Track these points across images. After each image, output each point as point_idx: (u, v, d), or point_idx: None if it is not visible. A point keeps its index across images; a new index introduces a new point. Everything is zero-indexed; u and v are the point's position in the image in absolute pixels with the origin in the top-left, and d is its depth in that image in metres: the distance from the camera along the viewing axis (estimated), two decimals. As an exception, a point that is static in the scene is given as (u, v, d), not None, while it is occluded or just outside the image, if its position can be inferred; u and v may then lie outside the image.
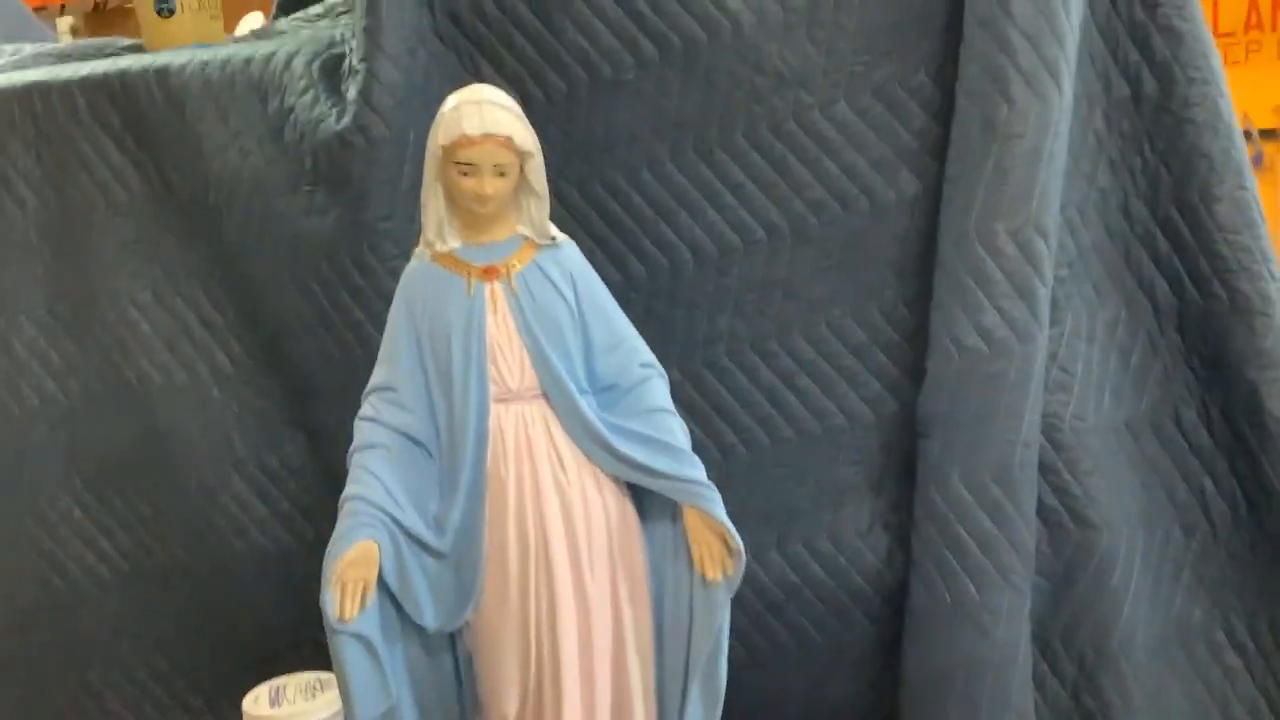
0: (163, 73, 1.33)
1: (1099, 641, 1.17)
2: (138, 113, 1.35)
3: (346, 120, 1.23)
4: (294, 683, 1.22)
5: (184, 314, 1.39)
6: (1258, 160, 3.03)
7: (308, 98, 1.27)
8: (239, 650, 1.41)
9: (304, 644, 1.36)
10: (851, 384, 1.20)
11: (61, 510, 1.42)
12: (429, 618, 0.84)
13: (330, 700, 1.19)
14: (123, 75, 1.34)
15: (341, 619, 0.82)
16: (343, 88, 1.27)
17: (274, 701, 1.19)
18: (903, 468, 1.19)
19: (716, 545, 0.83)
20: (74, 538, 1.42)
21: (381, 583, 0.83)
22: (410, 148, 1.23)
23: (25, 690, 1.43)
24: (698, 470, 0.84)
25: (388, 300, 1.26)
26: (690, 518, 0.84)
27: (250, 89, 1.30)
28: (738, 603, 0.89)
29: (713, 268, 1.21)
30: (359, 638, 0.83)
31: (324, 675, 1.23)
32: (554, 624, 0.83)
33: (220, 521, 1.39)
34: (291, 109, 1.27)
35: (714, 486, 0.84)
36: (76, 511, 1.42)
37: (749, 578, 1.03)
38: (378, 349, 1.27)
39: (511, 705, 0.85)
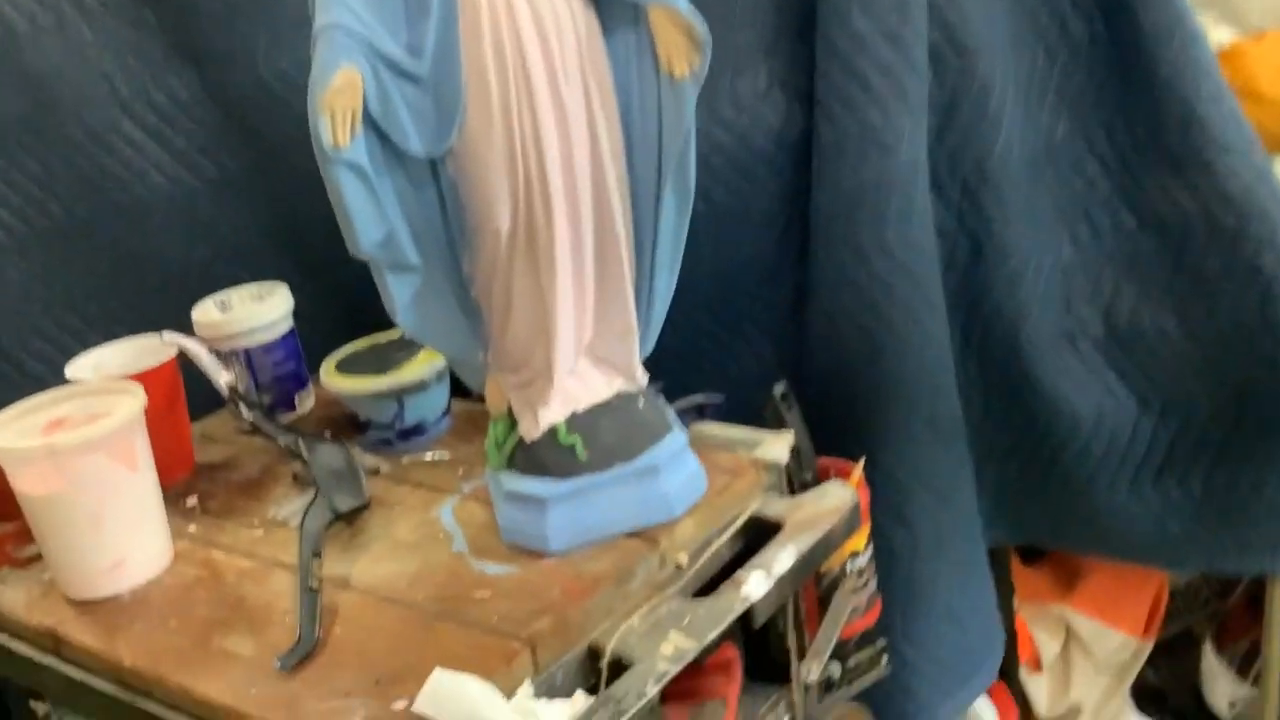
0: None
1: (980, 162, 1.29)
2: None
3: None
4: (237, 294, 1.25)
5: (40, -49, 1.32)
6: None
7: None
8: (153, 297, 1.42)
9: (220, 279, 1.37)
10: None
11: (-56, 179, 1.37)
12: (414, 143, 0.88)
13: (278, 303, 1.22)
14: None
15: (336, 146, 0.85)
16: None
17: (223, 308, 1.21)
18: (795, 29, 1.26)
19: (682, 40, 0.89)
20: (-37, 206, 1.38)
21: (366, 116, 0.86)
22: None
23: (-62, 365, 1.41)
24: (657, -31, 0.88)
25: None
26: (655, 18, 0.89)
27: None
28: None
29: None
30: (353, 165, 0.86)
31: (265, 285, 1.26)
32: (537, 134, 0.88)
33: (115, 169, 1.37)
34: None
35: (673, -16, 0.89)
36: (-39, 179, 1.38)
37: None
38: (262, -40, 1.25)
39: (504, 220, 0.90)
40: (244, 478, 1.16)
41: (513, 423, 0.98)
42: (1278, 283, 1.28)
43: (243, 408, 1.10)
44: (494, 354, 0.99)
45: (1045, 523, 1.47)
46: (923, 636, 1.34)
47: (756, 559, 0.94)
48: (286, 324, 1.24)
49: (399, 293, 0.93)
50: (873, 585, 1.15)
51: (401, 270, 0.93)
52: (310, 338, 1.30)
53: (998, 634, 1.43)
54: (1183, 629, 1.73)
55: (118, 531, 0.98)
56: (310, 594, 0.92)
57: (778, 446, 1.12)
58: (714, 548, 0.97)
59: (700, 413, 1.20)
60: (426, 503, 1.06)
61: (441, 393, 1.17)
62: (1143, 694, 1.70)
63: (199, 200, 1.40)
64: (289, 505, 1.09)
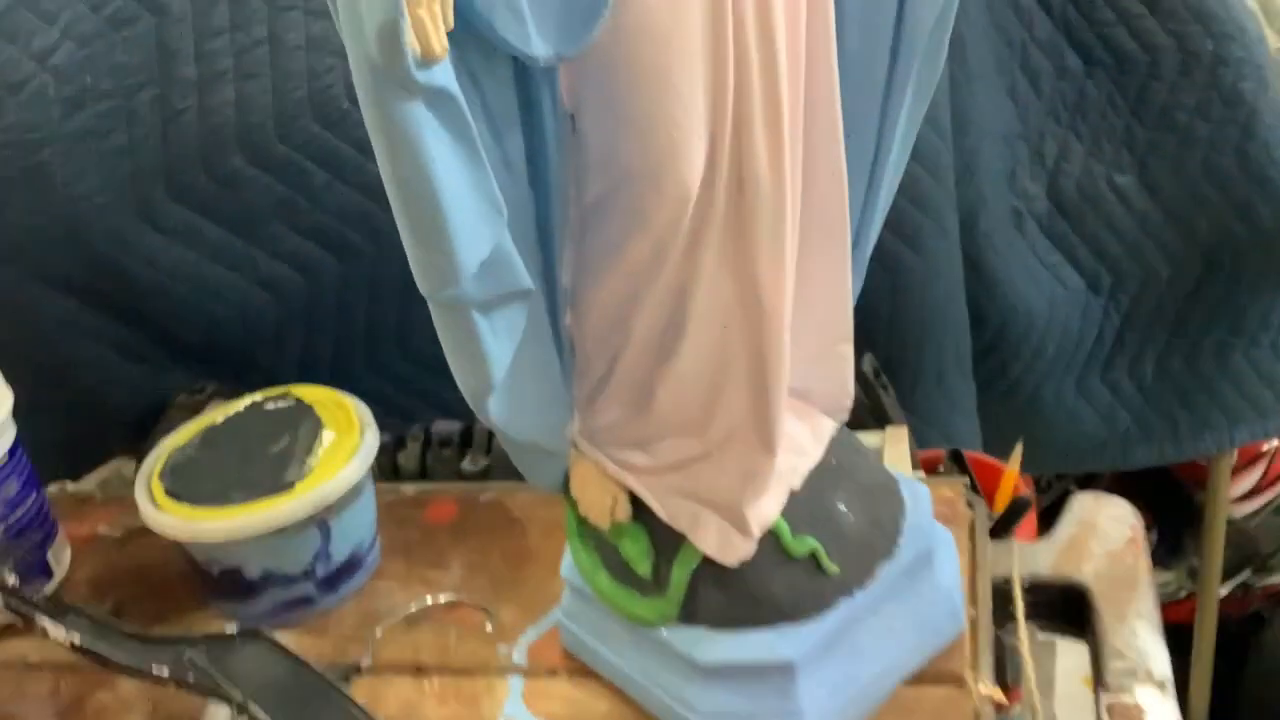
0: None
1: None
2: None
3: None
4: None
5: None
6: None
7: None
8: None
9: None
10: None
11: None
12: (536, 39, 0.41)
13: (-7, 396, 0.66)
14: None
15: (430, 56, 0.36)
16: None
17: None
18: None
19: None
20: None
21: None
22: None
23: None
24: None
25: None
26: None
27: None
28: None
29: None
30: (441, 95, 0.38)
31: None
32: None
33: None
34: None
35: None
36: None
37: None
38: None
39: (697, 162, 0.45)
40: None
41: (659, 540, 0.54)
42: (1260, 114, 1.06)
43: (47, 623, 0.55)
44: (608, 421, 0.53)
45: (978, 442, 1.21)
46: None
47: (1119, 665, 0.58)
48: (9, 434, 0.68)
49: (499, 350, 0.46)
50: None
51: (505, 305, 0.45)
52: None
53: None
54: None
55: None
56: None
57: (899, 450, 0.74)
58: (1028, 665, 0.59)
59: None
60: (468, 703, 0.59)
61: (371, 497, 0.67)
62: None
63: None
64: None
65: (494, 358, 0.45)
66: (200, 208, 0.84)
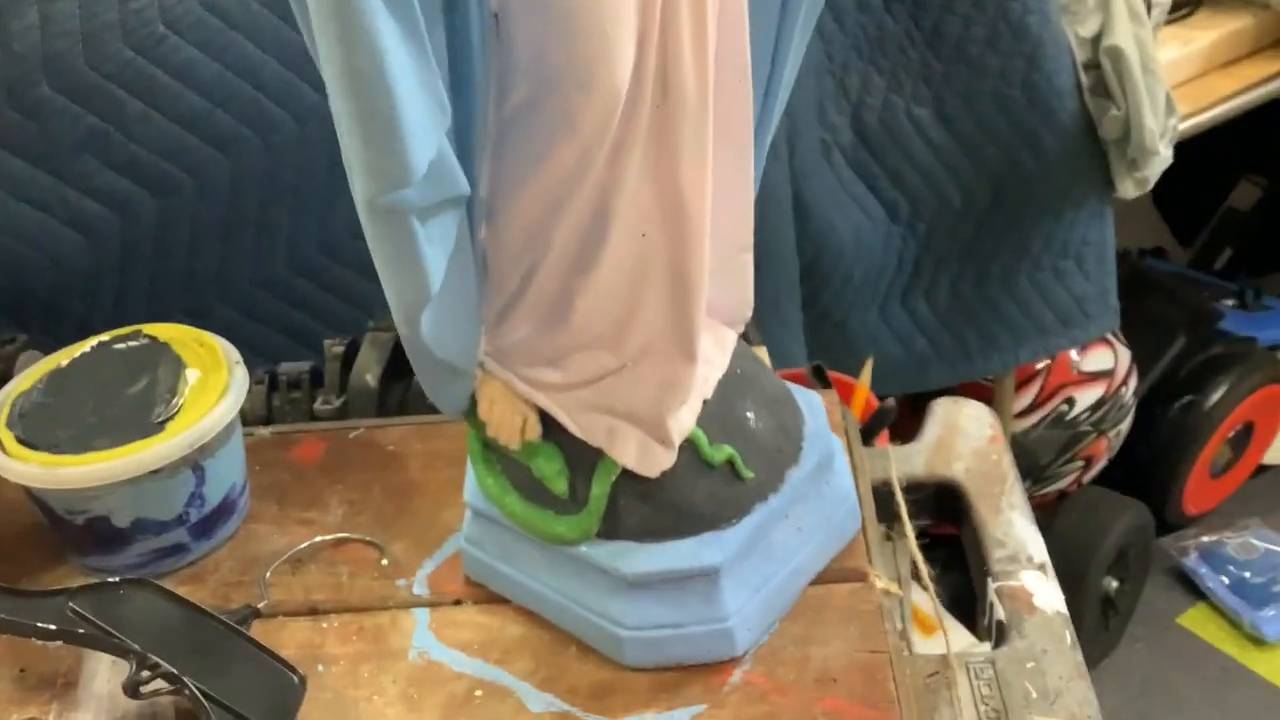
0: None
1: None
2: None
3: None
4: None
5: None
6: None
7: None
8: None
9: None
10: None
11: None
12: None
13: None
14: None
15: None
16: None
17: None
18: None
19: None
20: None
21: None
22: None
23: None
24: None
25: None
26: None
27: None
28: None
29: None
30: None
31: None
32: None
33: None
34: None
35: None
36: None
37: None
38: None
39: (625, 64, 0.44)
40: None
41: (573, 457, 0.54)
42: (1044, 46, 1.13)
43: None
44: (518, 338, 0.52)
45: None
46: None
47: (1001, 553, 0.61)
48: None
49: (435, 260, 0.44)
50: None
51: (442, 212, 0.43)
52: None
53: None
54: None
55: None
56: None
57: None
58: (919, 558, 0.61)
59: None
60: (373, 639, 0.57)
61: (240, 437, 0.64)
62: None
63: None
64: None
65: (432, 267, 0.44)
66: (2, 141, 0.78)
